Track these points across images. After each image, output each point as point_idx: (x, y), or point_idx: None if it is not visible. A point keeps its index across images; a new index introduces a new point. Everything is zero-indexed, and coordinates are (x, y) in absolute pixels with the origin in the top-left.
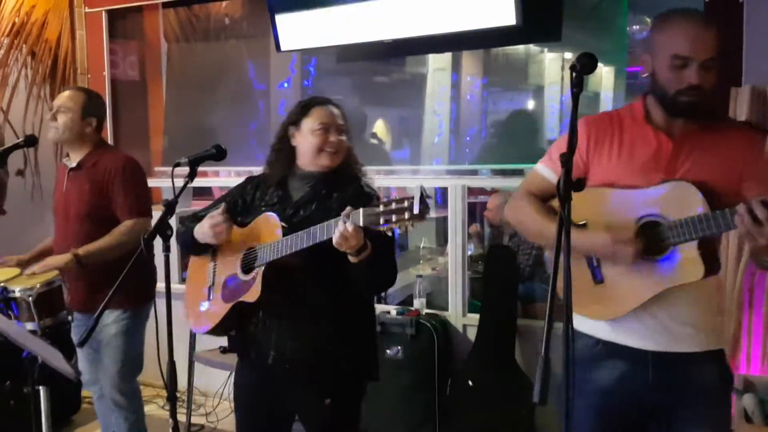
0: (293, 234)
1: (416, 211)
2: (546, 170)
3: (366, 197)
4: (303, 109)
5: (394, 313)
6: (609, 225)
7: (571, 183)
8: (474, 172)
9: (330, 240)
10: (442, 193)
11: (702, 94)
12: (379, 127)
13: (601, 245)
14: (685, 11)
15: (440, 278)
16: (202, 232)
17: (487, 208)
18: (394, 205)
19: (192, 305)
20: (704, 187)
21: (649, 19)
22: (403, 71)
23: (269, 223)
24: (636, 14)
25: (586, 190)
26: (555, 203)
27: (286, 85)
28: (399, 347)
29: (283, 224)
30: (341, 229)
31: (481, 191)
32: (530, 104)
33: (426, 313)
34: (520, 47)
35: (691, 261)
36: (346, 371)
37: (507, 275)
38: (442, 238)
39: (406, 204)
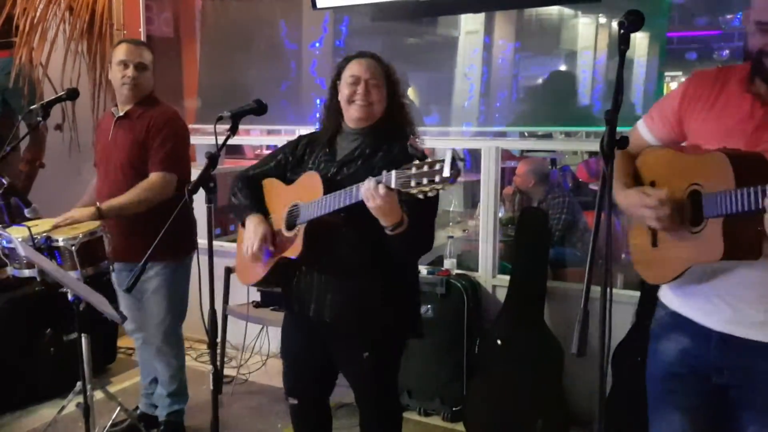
0: (334, 192)
1: (446, 173)
2: (644, 127)
3: (409, 158)
4: (344, 61)
5: (424, 272)
6: (665, 188)
7: (614, 140)
8: (504, 135)
9: None
10: (472, 156)
11: None
12: (409, 91)
13: (634, 206)
14: None
15: (470, 240)
16: (249, 229)
17: (516, 174)
18: (426, 168)
19: (242, 259)
20: None
21: None
22: (435, 33)
23: (311, 181)
24: None
25: (660, 150)
26: (638, 161)
27: (317, 44)
28: (429, 306)
29: (324, 183)
30: (368, 187)
31: (510, 156)
32: (562, 69)
33: (456, 274)
34: (554, 11)
35: (712, 238)
36: (386, 326)
37: (539, 237)
38: (470, 202)
39: (437, 167)
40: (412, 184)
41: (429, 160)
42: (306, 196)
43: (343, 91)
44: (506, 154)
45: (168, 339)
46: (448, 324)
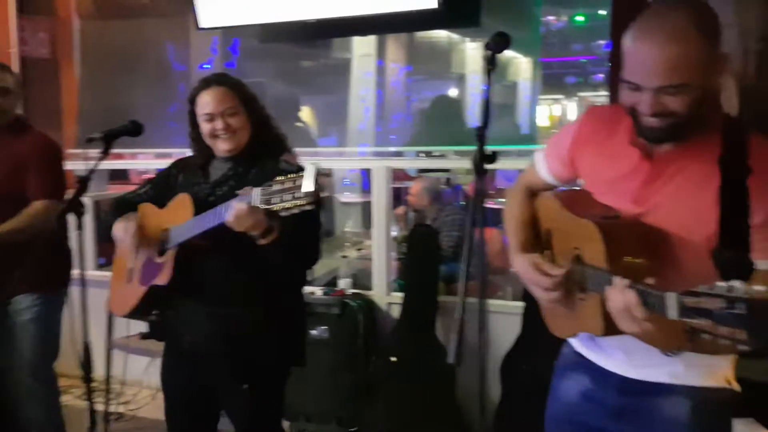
0: (202, 214)
1: (307, 188)
2: (541, 162)
3: (284, 174)
4: (192, 95)
5: (319, 293)
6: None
7: (483, 156)
8: (399, 155)
9: None
10: (369, 177)
11: (664, 120)
12: (305, 113)
13: (525, 279)
14: (653, 16)
15: (367, 259)
16: (118, 230)
17: (410, 193)
18: (287, 184)
19: (114, 288)
20: (666, 233)
21: (563, 11)
22: (329, 56)
23: (181, 203)
24: (551, 5)
25: (550, 201)
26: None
27: (207, 66)
28: (325, 327)
29: (196, 204)
30: (232, 206)
31: (407, 176)
32: (453, 92)
33: (351, 293)
34: (443, 36)
35: (593, 312)
36: (266, 355)
37: (429, 253)
38: (368, 222)
39: (298, 182)
40: (275, 201)
41: (293, 175)
42: (177, 218)
43: (203, 127)
44: (403, 175)
45: (40, 378)
46: (343, 344)
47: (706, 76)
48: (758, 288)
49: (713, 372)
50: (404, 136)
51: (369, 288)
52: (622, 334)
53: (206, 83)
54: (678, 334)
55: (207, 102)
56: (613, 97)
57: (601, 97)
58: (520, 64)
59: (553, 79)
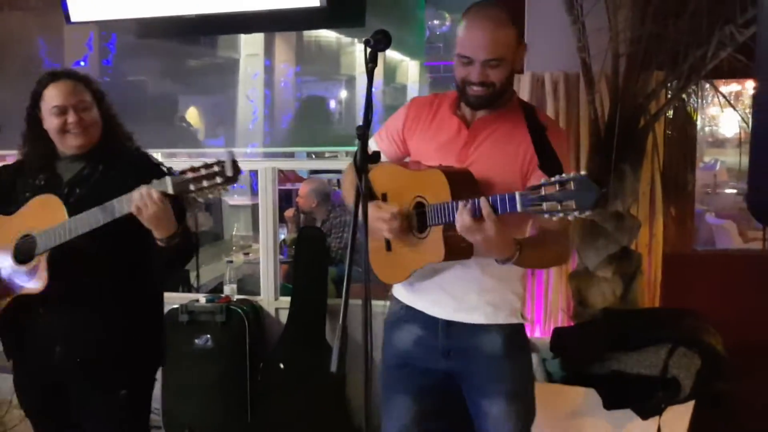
0: (85, 212)
1: (230, 173)
2: (374, 145)
3: (157, 169)
4: (36, 89)
5: (203, 300)
6: (396, 200)
7: (367, 155)
8: (290, 155)
9: (123, 219)
10: (258, 179)
11: (486, 89)
12: (192, 113)
13: (369, 219)
14: (479, 9)
15: (255, 264)
16: None
17: (299, 195)
18: (203, 171)
19: None
20: (484, 179)
21: (447, 14)
22: (215, 55)
23: (49, 204)
24: (435, 8)
25: (388, 166)
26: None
27: (83, 63)
28: (208, 336)
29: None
30: (141, 194)
31: (298, 178)
32: (343, 93)
33: (237, 299)
34: (332, 37)
35: (435, 243)
36: (139, 360)
37: (316, 255)
38: (257, 225)
39: (216, 168)
40: (192, 188)
41: (205, 162)
42: (42, 222)
43: (51, 122)
44: (294, 176)
45: None
46: (229, 353)
47: (514, 56)
48: (582, 172)
49: (513, 311)
50: (294, 135)
51: (257, 293)
52: (459, 259)
53: (55, 76)
54: (509, 240)
55: (56, 94)
56: None
57: None
58: (408, 67)
59: (441, 83)
